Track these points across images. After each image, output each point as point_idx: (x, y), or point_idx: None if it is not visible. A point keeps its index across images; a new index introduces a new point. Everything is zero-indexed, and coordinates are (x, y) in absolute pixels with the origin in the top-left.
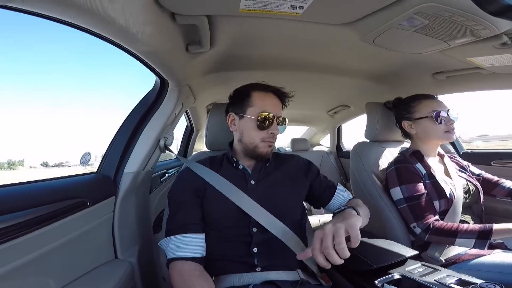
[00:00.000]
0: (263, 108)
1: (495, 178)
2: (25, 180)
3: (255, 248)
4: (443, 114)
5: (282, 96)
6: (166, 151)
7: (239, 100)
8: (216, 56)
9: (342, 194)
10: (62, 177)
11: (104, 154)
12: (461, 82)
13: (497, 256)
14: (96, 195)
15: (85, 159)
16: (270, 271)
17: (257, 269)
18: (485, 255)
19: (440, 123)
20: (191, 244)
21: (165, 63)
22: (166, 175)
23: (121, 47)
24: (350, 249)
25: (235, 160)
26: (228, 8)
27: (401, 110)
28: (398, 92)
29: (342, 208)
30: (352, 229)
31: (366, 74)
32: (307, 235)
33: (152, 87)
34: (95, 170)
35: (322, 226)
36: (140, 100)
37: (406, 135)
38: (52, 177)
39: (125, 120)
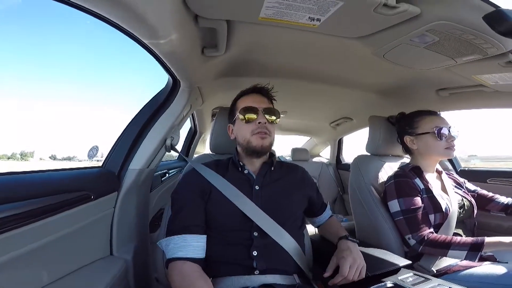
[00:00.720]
0: (245, 104)
1: (490, 194)
2: (31, 170)
3: (255, 252)
4: (444, 131)
5: (263, 91)
6: (169, 152)
7: (231, 110)
8: (229, 60)
9: (327, 212)
10: (67, 169)
11: (111, 149)
12: (464, 99)
13: (487, 268)
14: (100, 190)
15: (93, 152)
16: (268, 274)
17: (255, 272)
18: (475, 266)
19: (441, 139)
20: (193, 245)
21: (181, 64)
22: (167, 175)
23: (145, 46)
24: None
25: (241, 164)
26: (249, 15)
27: (404, 125)
28: (401, 107)
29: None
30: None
31: (371, 87)
32: (304, 242)
33: (163, 86)
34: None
35: (318, 234)
36: (151, 99)
37: (407, 150)
38: (57, 168)
39: (134, 117)
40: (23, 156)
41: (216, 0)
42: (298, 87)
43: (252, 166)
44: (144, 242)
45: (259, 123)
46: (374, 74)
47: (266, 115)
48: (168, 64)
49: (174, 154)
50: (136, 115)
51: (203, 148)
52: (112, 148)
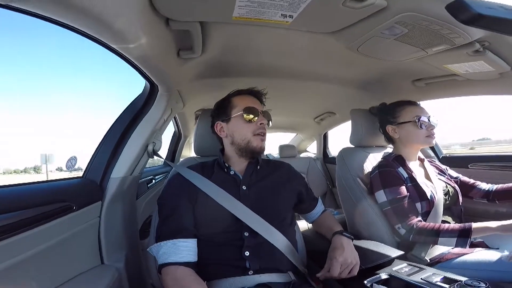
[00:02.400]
0: (245, 104)
1: (472, 181)
2: (11, 183)
3: (247, 252)
4: (424, 119)
5: (257, 94)
6: (154, 157)
7: (222, 108)
8: (207, 62)
9: (319, 207)
10: (47, 181)
11: (91, 159)
12: (440, 88)
13: (479, 254)
14: (82, 200)
15: (71, 163)
16: (262, 274)
17: (249, 273)
18: (467, 253)
19: (422, 128)
20: (184, 249)
21: (156, 68)
22: (153, 181)
23: (115, 51)
24: None
25: (227, 165)
26: (222, 15)
27: (386, 115)
28: (381, 99)
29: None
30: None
31: (350, 81)
32: (296, 238)
33: (141, 91)
34: None
35: (310, 230)
36: (129, 105)
37: (389, 140)
38: (36, 180)
39: (112, 125)
40: (37, 169)
41: (187, 2)
42: (279, 85)
43: (238, 166)
44: (135, 249)
45: (260, 124)
46: (352, 68)
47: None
48: (142, 68)
49: (161, 159)
50: (115, 122)
51: (189, 151)
52: (92, 157)
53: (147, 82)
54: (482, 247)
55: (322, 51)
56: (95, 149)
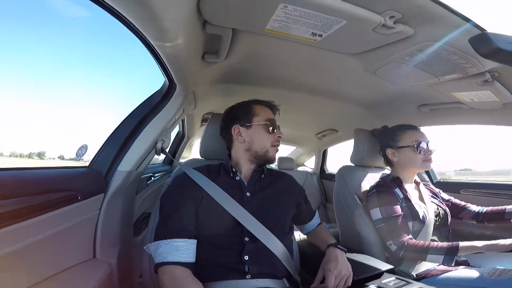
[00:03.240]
0: (267, 116)
1: (462, 203)
2: (18, 166)
3: (246, 256)
4: (423, 145)
5: (274, 109)
6: (159, 155)
7: (243, 113)
8: (227, 67)
9: (316, 219)
10: (54, 167)
11: (99, 150)
12: (443, 115)
13: (462, 272)
14: (87, 190)
15: (81, 151)
16: (259, 279)
17: (247, 277)
18: (451, 270)
19: (420, 153)
20: (183, 249)
21: (181, 67)
22: (152, 178)
23: (149, 47)
24: None
25: (233, 170)
26: (256, 26)
27: (386, 138)
28: (384, 120)
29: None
30: (349, 269)
31: (358, 101)
32: (292, 247)
33: (159, 88)
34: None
35: (304, 240)
36: (145, 100)
37: (388, 162)
38: (43, 166)
39: (126, 118)
40: (41, 155)
41: (227, 8)
42: (288, 97)
43: (244, 172)
44: (128, 245)
45: (278, 136)
46: (362, 89)
47: None
48: (168, 67)
49: (158, 157)
50: (128, 116)
51: (189, 153)
52: (101, 148)
53: (166, 80)
54: (465, 265)
55: (339, 70)
56: (105, 140)
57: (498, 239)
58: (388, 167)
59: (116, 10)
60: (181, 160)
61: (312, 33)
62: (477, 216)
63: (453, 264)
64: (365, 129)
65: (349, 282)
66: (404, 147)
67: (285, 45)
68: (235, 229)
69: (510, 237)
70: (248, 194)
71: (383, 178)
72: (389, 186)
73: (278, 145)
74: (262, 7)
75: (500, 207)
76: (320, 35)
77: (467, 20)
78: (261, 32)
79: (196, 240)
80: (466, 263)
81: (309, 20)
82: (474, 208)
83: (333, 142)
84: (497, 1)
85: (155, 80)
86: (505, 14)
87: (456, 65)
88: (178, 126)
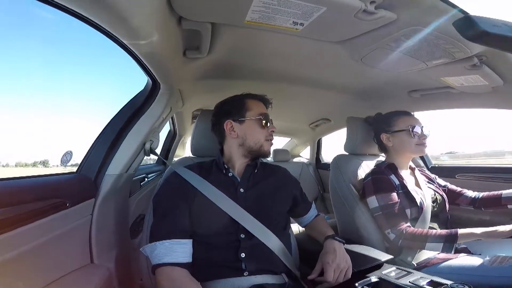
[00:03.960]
0: (260, 110)
1: (459, 189)
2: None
3: (243, 253)
4: (417, 129)
5: (267, 103)
6: (149, 156)
7: (235, 107)
8: (211, 63)
9: (313, 211)
10: (41, 175)
11: (86, 154)
12: (434, 100)
13: (462, 260)
14: (76, 196)
15: (66, 158)
16: (257, 275)
17: (244, 274)
18: (452, 258)
19: (414, 137)
20: (179, 250)
21: (161, 65)
22: (146, 179)
23: (124, 47)
24: None
25: (226, 167)
26: (235, 18)
27: (381, 124)
28: (376, 108)
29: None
30: (348, 261)
31: (348, 89)
32: (290, 241)
33: (142, 88)
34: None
35: (302, 233)
36: (129, 101)
37: (383, 148)
38: (30, 174)
39: (111, 120)
40: (45, 164)
41: (202, 3)
42: (278, 90)
43: (237, 168)
44: (126, 249)
45: (271, 131)
46: (351, 77)
47: None
48: (147, 66)
49: (152, 157)
50: (113, 118)
51: (183, 151)
52: (87, 152)
53: (149, 79)
54: (466, 253)
55: (325, 59)
56: (91, 144)
57: (497, 224)
58: (383, 154)
59: (79, 13)
60: (175, 159)
61: (293, 22)
62: (473, 201)
63: (453, 252)
64: (358, 117)
65: (349, 275)
66: (399, 131)
67: (268, 37)
68: (230, 226)
69: (508, 222)
70: (241, 190)
71: (378, 165)
72: (384, 172)
73: (272, 139)
74: None
75: (496, 192)
76: (302, 24)
77: (450, 4)
78: (242, 25)
79: (191, 240)
80: (466, 251)
81: (288, 9)
82: (471, 193)
83: (326, 132)
84: None
85: (139, 81)
86: None
87: (443, 50)
88: (169, 125)
